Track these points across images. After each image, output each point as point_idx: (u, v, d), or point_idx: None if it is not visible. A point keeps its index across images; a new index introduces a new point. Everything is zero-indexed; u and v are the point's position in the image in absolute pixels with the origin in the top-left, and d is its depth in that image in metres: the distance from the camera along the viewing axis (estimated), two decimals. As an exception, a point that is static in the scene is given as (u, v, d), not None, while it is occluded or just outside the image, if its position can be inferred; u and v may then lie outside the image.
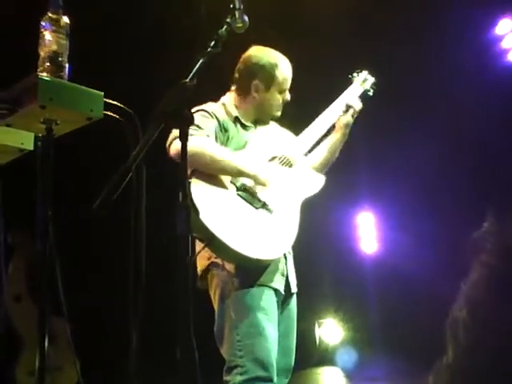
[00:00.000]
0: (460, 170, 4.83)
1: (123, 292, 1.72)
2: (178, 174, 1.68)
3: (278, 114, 2.72)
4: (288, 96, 2.71)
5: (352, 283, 5.28)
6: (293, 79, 2.71)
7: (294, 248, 2.62)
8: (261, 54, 2.67)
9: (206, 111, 2.53)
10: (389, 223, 5.64)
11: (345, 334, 5.77)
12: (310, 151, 2.79)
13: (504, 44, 4.74)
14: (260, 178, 2.49)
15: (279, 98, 2.68)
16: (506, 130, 4.61)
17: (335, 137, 2.81)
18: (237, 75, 2.70)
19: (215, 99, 2.70)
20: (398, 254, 5.17)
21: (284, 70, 2.67)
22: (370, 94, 2.93)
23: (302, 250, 2.64)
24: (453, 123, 4.65)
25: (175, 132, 2.28)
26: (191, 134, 2.24)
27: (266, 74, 2.64)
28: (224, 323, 2.44)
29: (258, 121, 2.74)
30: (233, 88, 2.72)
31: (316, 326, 5.82)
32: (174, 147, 2.36)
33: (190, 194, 2.33)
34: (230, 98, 2.71)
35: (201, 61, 1.86)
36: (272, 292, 2.47)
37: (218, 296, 2.46)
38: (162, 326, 2.98)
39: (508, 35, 4.72)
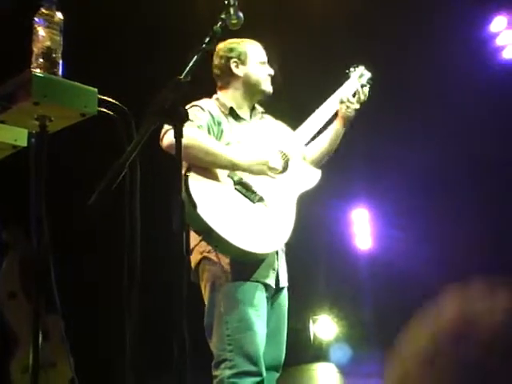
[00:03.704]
0: (456, 166, 4.84)
1: (117, 288, 1.72)
2: (172, 169, 1.68)
3: (268, 88, 2.75)
4: (271, 70, 2.77)
5: (347, 280, 5.29)
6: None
7: (288, 244, 2.63)
8: (225, 43, 2.75)
9: (198, 106, 2.56)
10: (384, 220, 5.64)
11: (339, 330, 5.78)
12: (310, 141, 2.82)
13: (499, 41, 4.74)
14: (254, 170, 2.51)
15: (261, 70, 2.74)
16: (502, 127, 4.62)
17: (336, 128, 2.84)
18: (217, 71, 2.77)
19: (211, 96, 2.74)
20: (392, 251, 5.18)
21: (252, 44, 2.78)
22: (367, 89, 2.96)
23: (297, 246, 2.64)
24: (449, 121, 4.65)
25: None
26: None
27: (238, 51, 2.73)
28: (214, 317, 2.45)
29: (252, 107, 2.76)
30: (218, 85, 2.78)
31: (310, 322, 5.83)
32: (167, 139, 2.38)
33: (187, 188, 2.36)
34: (220, 93, 2.76)
35: (195, 57, 1.86)
36: (263, 287, 2.48)
37: (209, 290, 2.48)
38: (157, 322, 2.98)
39: (503, 32, 4.72)
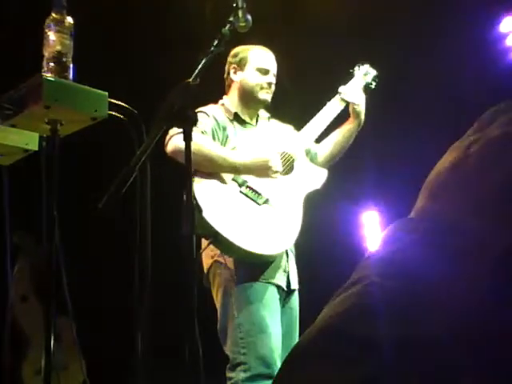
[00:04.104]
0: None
1: (129, 291, 1.73)
2: (182, 173, 1.68)
3: (263, 97, 2.71)
4: (271, 78, 2.72)
5: (357, 282, 5.26)
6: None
7: (298, 246, 2.63)
8: (234, 49, 2.76)
9: (203, 112, 2.58)
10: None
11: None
12: (320, 139, 2.81)
13: (508, 42, 4.72)
14: (255, 170, 2.51)
15: (259, 78, 2.70)
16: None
17: (348, 125, 2.83)
18: (225, 76, 2.80)
19: (218, 100, 2.77)
20: (403, 253, 5.15)
21: (257, 50, 2.76)
22: (372, 86, 2.94)
23: (307, 248, 2.64)
24: (458, 122, 4.63)
25: (173, 129, 2.30)
26: None
27: (239, 57, 2.74)
28: (227, 321, 2.46)
29: (255, 114, 2.77)
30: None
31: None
32: (172, 144, 2.40)
33: (193, 192, 2.37)
34: (225, 98, 2.79)
35: (204, 60, 1.86)
36: (274, 289, 2.49)
37: (221, 294, 2.48)
38: (168, 325, 2.98)
39: (512, 33, 4.70)
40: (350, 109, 2.80)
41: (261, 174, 2.53)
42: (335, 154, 2.85)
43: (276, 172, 2.56)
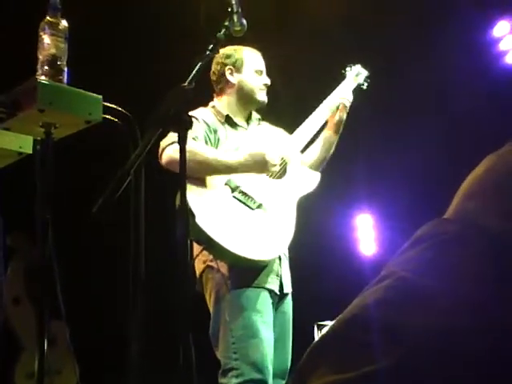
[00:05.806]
0: (459, 171, 4.82)
1: (123, 295, 1.72)
2: (176, 177, 1.68)
3: (262, 98, 2.72)
4: (267, 79, 2.73)
5: (351, 285, 5.25)
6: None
7: (292, 250, 2.63)
8: (224, 49, 2.71)
9: (193, 117, 2.55)
10: (388, 225, 5.63)
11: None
12: (304, 149, 2.81)
13: (502, 46, 4.74)
14: (251, 165, 2.48)
15: (256, 79, 2.71)
16: (503, 132, 4.60)
17: (328, 134, 2.82)
18: (213, 77, 2.76)
19: (208, 103, 2.76)
20: (396, 256, 5.15)
21: (250, 52, 2.76)
22: (364, 87, 2.95)
23: (301, 252, 2.64)
24: (451, 125, 4.65)
25: (166, 139, 2.30)
26: None
27: (234, 58, 2.71)
28: (219, 326, 2.46)
29: (248, 115, 2.76)
30: (215, 91, 2.78)
31: (315, 328, 5.81)
32: (166, 155, 2.38)
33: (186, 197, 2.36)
34: (216, 100, 2.76)
35: (199, 64, 1.87)
36: (267, 293, 2.48)
37: (213, 299, 2.48)
38: (161, 329, 2.98)
39: (506, 37, 4.72)
40: (335, 118, 2.80)
41: (259, 169, 2.50)
42: (320, 163, 2.84)
43: (274, 165, 2.54)
